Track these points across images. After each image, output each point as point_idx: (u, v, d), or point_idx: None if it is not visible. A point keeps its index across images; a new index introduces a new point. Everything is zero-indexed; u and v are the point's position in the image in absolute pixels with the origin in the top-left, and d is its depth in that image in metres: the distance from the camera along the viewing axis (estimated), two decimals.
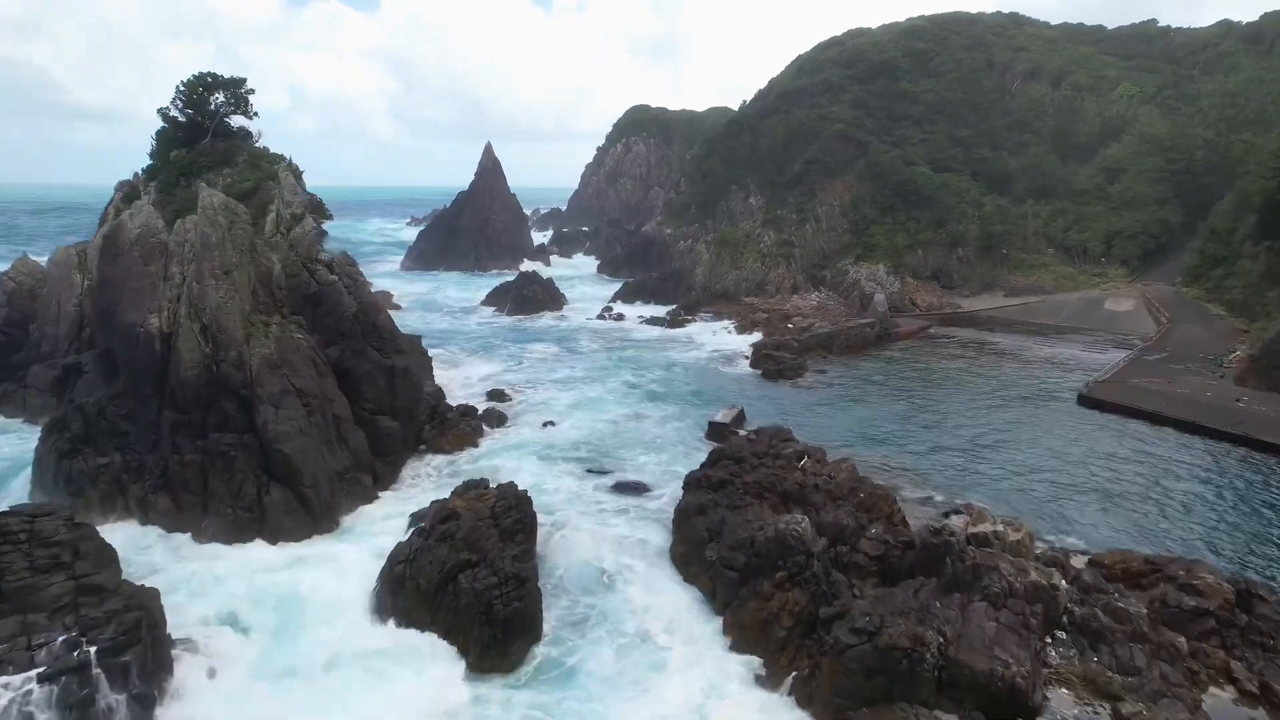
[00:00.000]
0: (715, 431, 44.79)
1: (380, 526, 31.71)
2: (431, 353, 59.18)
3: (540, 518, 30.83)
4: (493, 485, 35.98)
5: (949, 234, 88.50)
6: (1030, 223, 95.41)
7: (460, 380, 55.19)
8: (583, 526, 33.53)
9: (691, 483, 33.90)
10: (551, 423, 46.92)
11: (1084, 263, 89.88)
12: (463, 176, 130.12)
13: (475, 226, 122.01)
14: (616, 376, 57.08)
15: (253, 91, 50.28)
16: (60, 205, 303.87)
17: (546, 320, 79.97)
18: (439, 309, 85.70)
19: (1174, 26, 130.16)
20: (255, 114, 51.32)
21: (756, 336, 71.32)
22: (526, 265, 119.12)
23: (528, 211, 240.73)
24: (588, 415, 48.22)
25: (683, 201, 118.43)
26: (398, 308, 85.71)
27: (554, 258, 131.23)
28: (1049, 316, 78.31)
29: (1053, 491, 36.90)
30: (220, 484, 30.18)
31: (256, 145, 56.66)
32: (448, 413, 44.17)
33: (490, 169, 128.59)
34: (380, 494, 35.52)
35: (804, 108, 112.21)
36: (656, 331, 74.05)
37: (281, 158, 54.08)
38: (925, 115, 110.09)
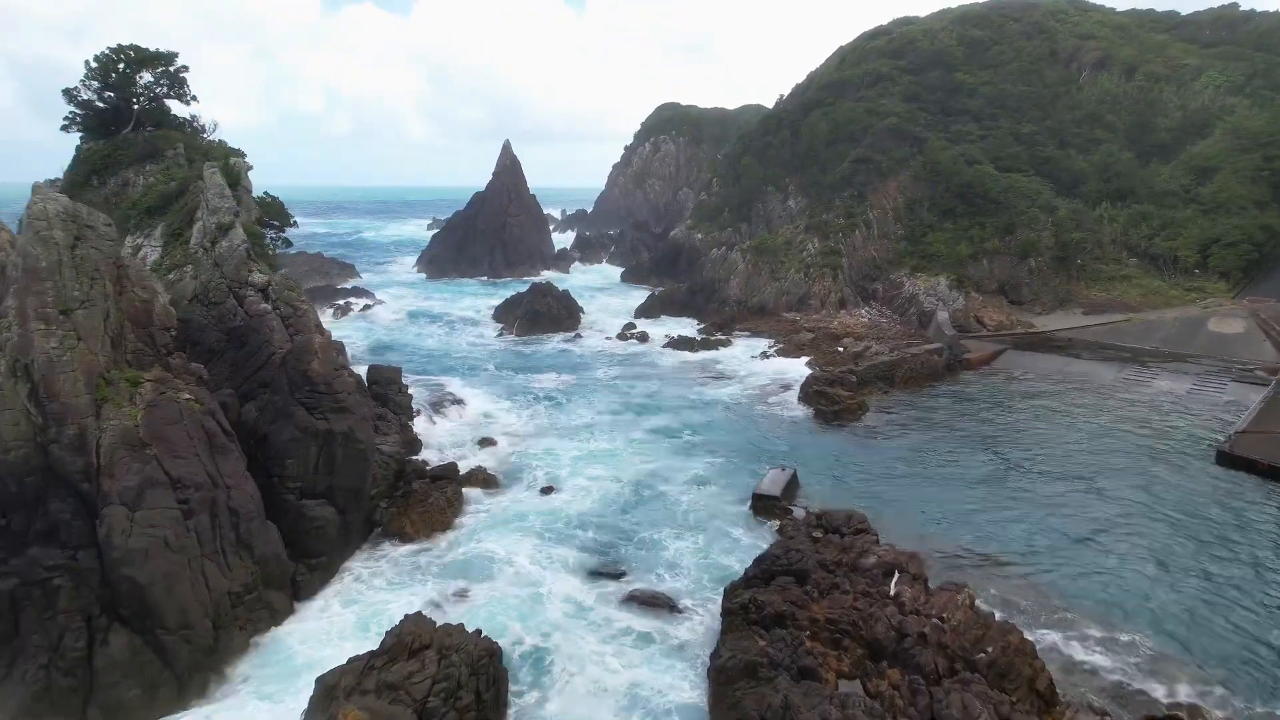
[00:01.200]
0: (762, 505, 34.17)
1: (278, 689, 21.45)
2: (415, 385, 49.40)
3: (525, 642, 20.84)
4: (457, 599, 25.96)
5: (1020, 242, 76.73)
6: (1106, 229, 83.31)
7: (446, 425, 45.03)
8: (580, 671, 23.28)
9: (735, 610, 23.44)
10: (553, 488, 36.58)
11: (1174, 275, 77.71)
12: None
13: (491, 230, 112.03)
14: (637, 419, 46.57)
15: (186, 69, 40.45)
16: None
17: (559, 342, 69.50)
18: (440, 324, 75.61)
19: (1258, 10, 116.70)
20: (193, 97, 41.56)
21: (802, 362, 60.50)
22: (545, 273, 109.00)
23: (555, 213, 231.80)
24: (600, 475, 37.84)
25: (715, 204, 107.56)
26: (399, 319, 76.01)
27: (575, 265, 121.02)
28: (1142, 339, 66.43)
29: (1232, 620, 25.73)
30: (36, 628, 20.11)
31: (211, 138, 47.10)
32: (416, 479, 33.93)
33: (509, 168, 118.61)
34: (300, 611, 25.39)
35: (850, 101, 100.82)
36: (685, 357, 63.19)
37: (237, 153, 44.43)
38: (984, 109, 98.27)
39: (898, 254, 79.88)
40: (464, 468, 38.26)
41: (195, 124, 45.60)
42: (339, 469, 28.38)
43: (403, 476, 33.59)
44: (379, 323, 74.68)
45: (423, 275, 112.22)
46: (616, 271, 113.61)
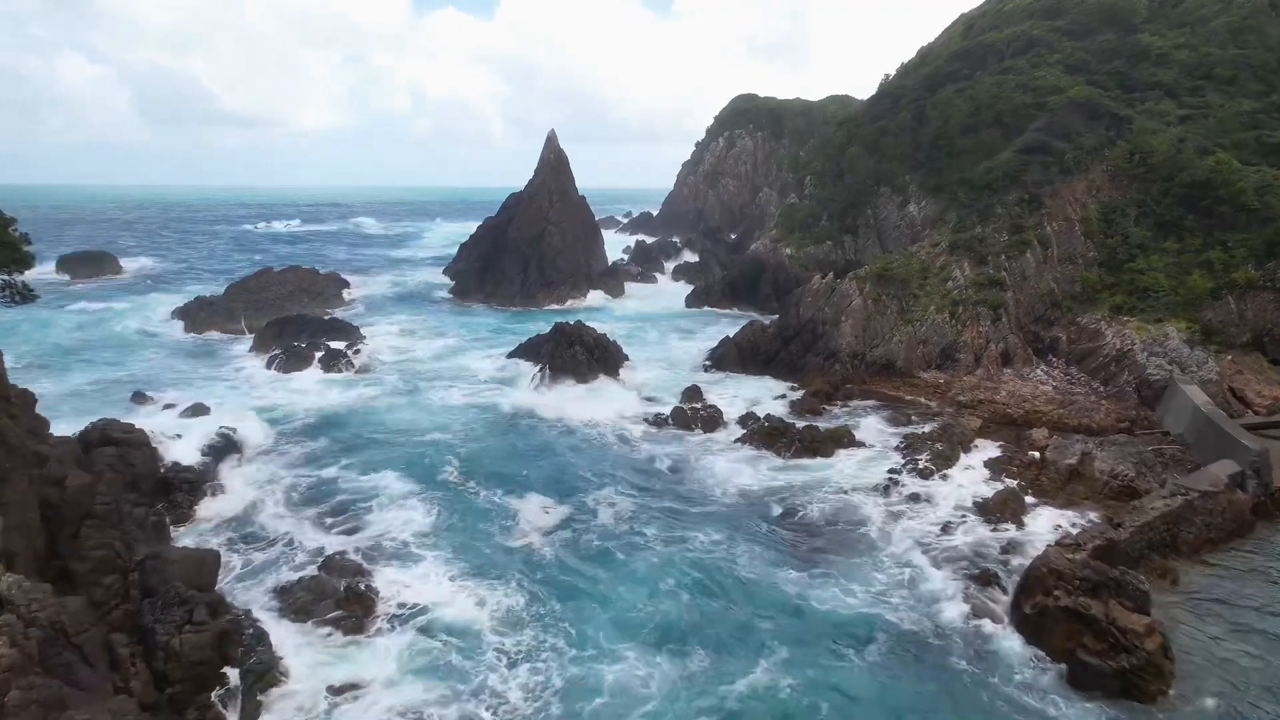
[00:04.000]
0: None
1: None
2: (308, 532, 26.08)
3: None
4: None
5: None
6: None
7: (295, 681, 20.90)
8: None
9: None
10: None
11: None
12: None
13: (526, 240, 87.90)
14: (694, 678, 21.52)
15: None
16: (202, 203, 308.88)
17: (576, 419, 44.29)
18: (422, 384, 51.27)
19: None
20: None
21: (979, 482, 34.67)
22: (591, 295, 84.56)
23: (619, 216, 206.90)
24: None
25: (808, 209, 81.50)
26: (372, 376, 52.46)
27: (631, 284, 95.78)
28: None
29: None
30: None
31: None
32: None
33: (553, 164, 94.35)
34: None
35: (992, 74, 73.53)
36: (777, 475, 36.96)
37: None
38: (1179, 81, 69.59)
39: (1090, 286, 52.69)
40: None
41: None
42: None
43: None
44: (340, 380, 51.37)
45: (448, 292, 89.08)
46: (681, 292, 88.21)
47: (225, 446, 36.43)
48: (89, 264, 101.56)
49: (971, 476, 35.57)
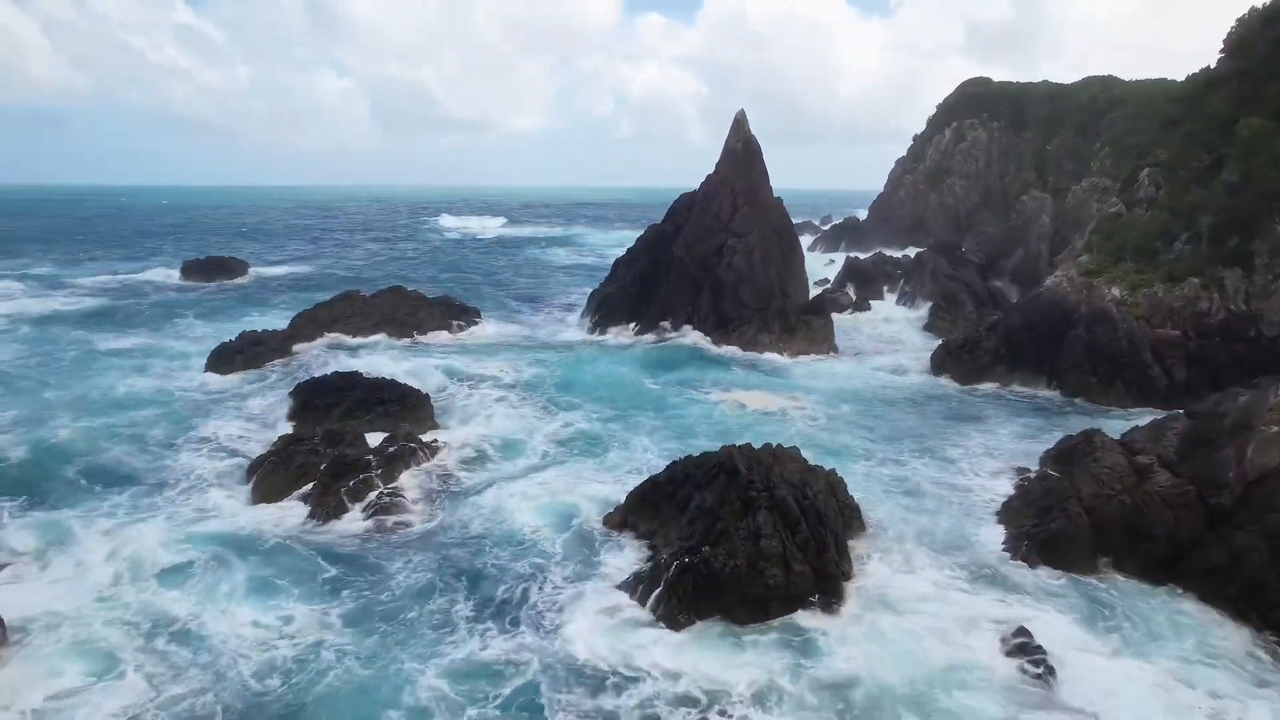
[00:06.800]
0: None
1: None
2: None
3: None
4: None
5: None
6: None
7: None
8: None
9: None
10: None
11: None
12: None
13: (696, 259, 61.79)
14: None
15: None
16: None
17: None
18: (425, 623, 23.56)
19: None
20: None
21: None
22: (784, 358, 56.06)
23: (817, 222, 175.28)
24: None
25: (1151, 223, 49.35)
26: (424, 514, 28.72)
27: (844, 318, 66.38)
28: None
29: None
30: None
31: None
32: None
33: (740, 156, 67.31)
34: None
35: None
36: None
37: None
38: None
39: None
40: None
41: None
42: None
43: None
44: (327, 541, 28.07)
45: (592, 325, 64.80)
46: (917, 342, 58.31)
47: None
48: (212, 270, 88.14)
49: None
